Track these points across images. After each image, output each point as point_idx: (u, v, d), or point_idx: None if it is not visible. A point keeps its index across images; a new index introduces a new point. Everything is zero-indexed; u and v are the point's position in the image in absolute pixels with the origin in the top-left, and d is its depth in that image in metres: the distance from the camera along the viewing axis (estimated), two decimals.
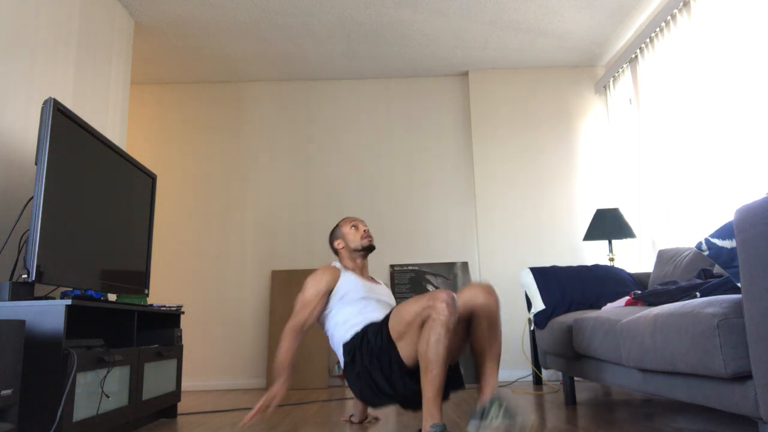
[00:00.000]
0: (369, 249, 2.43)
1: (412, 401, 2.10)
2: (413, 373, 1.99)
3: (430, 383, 1.84)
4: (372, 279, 2.46)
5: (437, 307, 1.86)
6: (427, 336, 1.86)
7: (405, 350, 1.99)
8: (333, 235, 2.51)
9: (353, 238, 2.43)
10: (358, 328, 2.17)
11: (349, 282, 2.28)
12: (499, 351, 2.08)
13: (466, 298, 2.07)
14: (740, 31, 2.78)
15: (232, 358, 4.25)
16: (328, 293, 2.27)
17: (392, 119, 4.67)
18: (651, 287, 2.93)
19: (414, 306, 1.94)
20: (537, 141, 4.51)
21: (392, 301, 2.40)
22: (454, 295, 1.91)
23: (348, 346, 2.14)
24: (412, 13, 3.76)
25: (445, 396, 2.12)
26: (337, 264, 2.40)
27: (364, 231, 2.44)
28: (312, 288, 2.25)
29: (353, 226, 2.46)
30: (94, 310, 2.34)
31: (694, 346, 1.53)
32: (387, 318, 2.08)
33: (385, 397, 2.06)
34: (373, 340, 2.05)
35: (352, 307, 2.22)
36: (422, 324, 1.90)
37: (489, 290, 2.07)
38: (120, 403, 2.22)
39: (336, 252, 2.48)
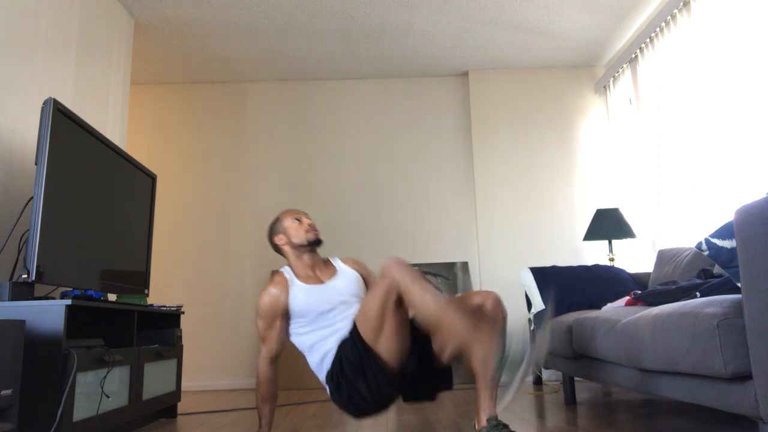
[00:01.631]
0: (315, 244, 2.16)
1: (411, 395, 2.04)
2: (396, 377, 1.93)
3: (452, 336, 1.79)
4: (326, 264, 2.22)
5: (393, 274, 1.81)
6: (413, 299, 1.80)
7: (385, 346, 1.89)
8: (273, 230, 2.22)
9: (296, 233, 2.16)
10: (333, 353, 2.01)
11: (300, 295, 2.05)
12: (496, 375, 1.96)
13: (475, 303, 1.97)
14: (740, 31, 2.78)
15: (232, 358, 4.25)
16: (284, 313, 2.06)
17: (392, 119, 4.66)
18: (651, 287, 2.93)
19: (375, 295, 1.86)
20: (537, 141, 4.51)
21: (352, 287, 2.14)
22: (397, 258, 1.87)
23: (330, 375, 2.02)
24: (412, 13, 3.76)
25: (432, 397, 2.07)
26: (286, 270, 2.14)
27: (309, 224, 2.19)
28: (265, 307, 2.05)
29: (296, 219, 2.19)
30: (94, 310, 2.34)
31: (694, 346, 1.53)
32: (355, 327, 1.95)
33: (379, 405, 1.97)
34: (352, 356, 1.93)
35: (318, 331, 2.04)
36: (396, 302, 1.84)
37: (497, 303, 1.97)
38: (120, 403, 2.22)
39: (278, 249, 2.21)
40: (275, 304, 2.05)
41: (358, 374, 1.92)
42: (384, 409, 2.01)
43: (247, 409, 3.06)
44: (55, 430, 1.77)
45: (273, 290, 2.06)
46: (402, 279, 1.82)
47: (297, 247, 2.16)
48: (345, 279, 2.15)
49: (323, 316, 2.03)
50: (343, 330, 2.02)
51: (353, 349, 1.93)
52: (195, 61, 4.33)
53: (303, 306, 2.04)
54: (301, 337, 2.08)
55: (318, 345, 2.04)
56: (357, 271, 2.24)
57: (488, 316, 1.96)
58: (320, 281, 2.12)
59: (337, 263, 2.24)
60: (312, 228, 2.18)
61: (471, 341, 1.78)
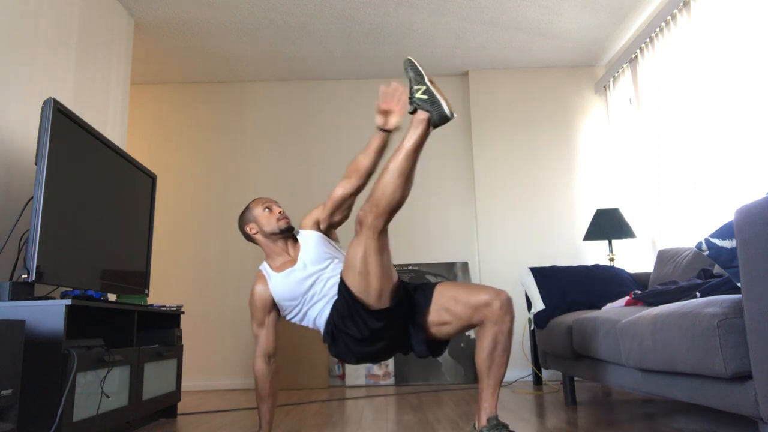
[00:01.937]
0: (287, 231, 2.17)
1: (405, 345, 2.03)
2: (383, 311, 1.92)
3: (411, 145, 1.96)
4: (295, 241, 2.21)
5: (361, 216, 1.91)
6: (386, 168, 1.94)
7: (375, 286, 1.88)
8: (243, 219, 2.22)
9: (267, 221, 2.16)
10: (325, 315, 2.04)
11: (280, 286, 2.07)
12: (499, 377, 1.92)
13: (483, 300, 1.92)
14: (740, 31, 2.78)
15: (232, 358, 4.25)
16: (272, 306, 2.11)
17: None
18: (651, 287, 2.93)
19: (354, 244, 1.90)
20: (537, 141, 4.51)
21: (322, 244, 2.15)
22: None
23: (326, 332, 2.05)
24: (412, 13, 3.76)
25: (424, 353, 2.03)
26: (263, 268, 2.15)
27: (279, 212, 2.19)
28: (255, 303, 2.12)
29: (266, 208, 2.19)
30: (94, 310, 2.34)
31: (694, 346, 1.53)
32: (342, 281, 1.96)
33: (370, 342, 1.96)
34: (341, 309, 1.96)
35: (313, 305, 2.07)
36: (373, 238, 1.88)
37: (507, 305, 1.91)
38: (120, 403, 2.22)
39: (249, 238, 2.21)
40: (260, 301, 2.11)
41: (348, 320, 1.94)
42: (377, 350, 2.00)
43: (247, 409, 3.06)
44: (55, 430, 1.77)
45: (257, 287, 2.12)
46: (368, 214, 1.90)
47: (269, 236, 2.17)
48: (309, 248, 2.13)
49: (311, 293, 2.06)
50: (332, 294, 2.04)
51: (342, 303, 1.96)
52: (195, 61, 4.33)
53: (286, 294, 2.07)
54: (299, 316, 2.12)
55: (318, 317, 2.07)
56: (315, 228, 2.23)
57: (495, 317, 1.89)
58: (294, 261, 2.12)
59: (300, 234, 2.21)
60: (283, 215, 2.19)
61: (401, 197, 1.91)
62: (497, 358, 1.91)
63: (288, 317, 2.15)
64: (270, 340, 2.12)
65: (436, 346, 2.05)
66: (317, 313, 2.07)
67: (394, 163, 1.94)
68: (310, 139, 4.63)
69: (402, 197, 1.94)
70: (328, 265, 2.10)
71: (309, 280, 2.06)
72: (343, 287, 1.95)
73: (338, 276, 2.01)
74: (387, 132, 2.26)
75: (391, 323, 1.97)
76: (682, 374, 1.71)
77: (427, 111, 1.96)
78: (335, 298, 2.02)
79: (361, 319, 1.92)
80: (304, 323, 2.14)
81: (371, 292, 1.89)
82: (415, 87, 1.99)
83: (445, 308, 1.96)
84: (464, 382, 4.06)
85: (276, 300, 2.10)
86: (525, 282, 3.28)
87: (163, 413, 2.82)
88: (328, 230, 2.26)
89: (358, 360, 2.06)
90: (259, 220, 2.18)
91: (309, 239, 2.17)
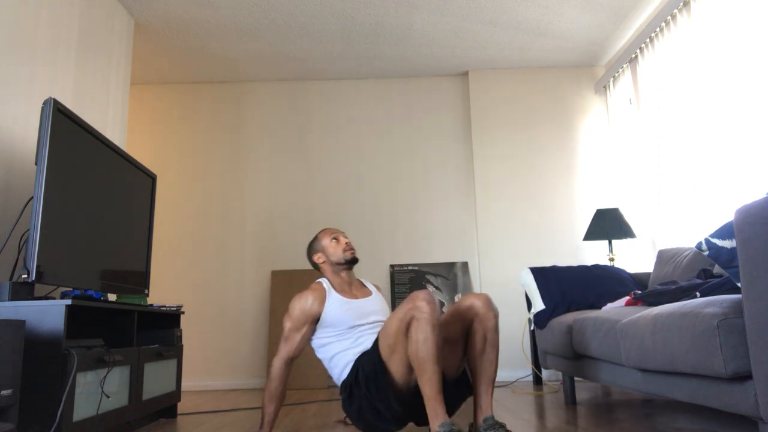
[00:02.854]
0: (353, 262, 2.27)
1: (424, 418, 2.04)
2: (407, 396, 1.95)
3: (427, 383, 1.81)
4: (362, 285, 2.34)
5: (418, 306, 1.83)
6: (414, 337, 1.82)
7: (396, 366, 1.93)
8: (312, 249, 2.33)
9: (334, 251, 2.27)
10: (351, 363, 2.08)
11: (335, 308, 2.14)
12: (492, 373, 2.00)
13: (466, 305, 2.02)
14: (740, 31, 2.78)
15: (232, 358, 4.25)
16: (316, 319, 2.15)
17: (392, 119, 4.67)
18: (651, 287, 2.93)
19: (397, 314, 1.90)
20: (537, 141, 4.51)
21: (385, 309, 2.27)
22: (431, 293, 1.90)
23: (344, 385, 2.08)
24: (412, 13, 3.76)
25: (455, 406, 2.08)
26: (324, 282, 2.23)
27: (346, 243, 2.29)
28: (299, 311, 2.14)
29: (334, 238, 2.30)
30: (94, 310, 2.34)
31: (694, 346, 1.53)
32: (377, 340, 2.02)
33: (389, 422, 2.00)
34: (368, 368, 1.99)
35: (343, 341, 2.12)
36: (408, 329, 1.87)
37: (488, 302, 2.01)
38: (120, 403, 2.22)
39: (316, 266, 2.32)
40: (309, 311, 2.13)
41: (372, 386, 1.96)
42: (394, 425, 2.02)
43: (247, 409, 3.06)
44: (55, 430, 1.77)
45: (310, 297, 2.15)
46: (419, 312, 1.84)
47: (334, 265, 2.27)
48: (378, 301, 2.27)
49: (351, 331, 2.12)
50: (365, 345, 2.09)
51: (370, 361, 1.99)
52: (195, 61, 4.33)
53: (336, 317, 2.12)
54: (324, 345, 2.16)
55: (339, 356, 2.11)
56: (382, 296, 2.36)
57: (479, 316, 2.00)
58: (355, 297, 2.23)
59: (369, 285, 2.36)
60: (349, 246, 2.28)
61: (436, 398, 1.80)
62: (487, 355, 1.99)
63: (315, 342, 2.19)
64: (299, 347, 2.16)
65: (456, 392, 2.09)
66: (343, 350, 2.11)
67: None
68: (310, 139, 4.63)
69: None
70: (374, 335, 2.14)
71: (361, 320, 2.14)
72: (376, 346, 2.00)
73: (369, 350, 2.06)
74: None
75: (413, 406, 1.99)
76: (682, 374, 1.71)
77: None
78: (366, 349, 2.07)
79: (385, 389, 1.95)
80: (325, 355, 2.16)
81: (392, 366, 1.94)
82: None
83: (444, 338, 2.01)
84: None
85: (322, 317, 2.14)
86: (525, 282, 3.28)
87: (163, 413, 2.82)
88: None
89: (366, 428, 2.06)
90: (326, 250, 2.29)
91: (380, 296, 2.31)
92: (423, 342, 1.80)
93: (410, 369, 1.93)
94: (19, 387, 1.70)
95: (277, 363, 2.14)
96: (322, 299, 2.15)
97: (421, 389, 1.83)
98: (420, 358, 1.81)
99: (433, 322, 1.82)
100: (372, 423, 2.01)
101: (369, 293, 2.29)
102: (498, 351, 2.02)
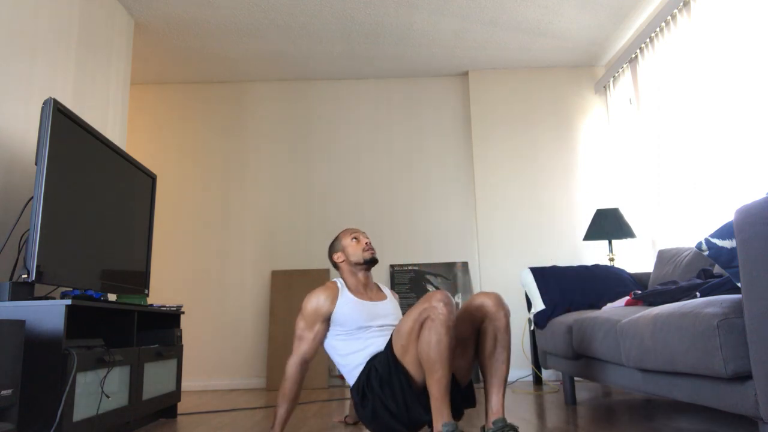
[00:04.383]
0: (372, 262, 2.26)
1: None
2: (424, 395, 1.93)
3: (436, 384, 1.78)
4: (378, 289, 2.33)
5: (434, 306, 1.81)
6: (427, 337, 1.79)
7: (412, 365, 1.92)
8: (332, 248, 2.33)
9: (354, 251, 2.25)
10: (362, 366, 2.07)
11: (347, 306, 2.13)
12: (503, 374, 1.95)
13: (476, 304, 1.98)
14: (740, 31, 2.78)
15: (232, 358, 4.25)
16: (328, 317, 2.13)
17: (392, 119, 4.67)
18: (651, 287, 2.93)
19: (411, 315, 1.88)
20: (537, 141, 4.51)
21: (398, 314, 2.25)
22: (448, 294, 1.87)
23: (356, 387, 2.06)
24: (412, 13, 3.76)
25: (459, 414, 2.06)
26: (339, 281, 2.23)
27: (366, 243, 2.27)
28: (311, 309, 2.13)
29: (354, 238, 2.28)
30: (94, 310, 2.34)
31: (694, 346, 1.53)
32: (390, 340, 2.00)
33: (404, 424, 1.97)
34: (381, 369, 1.97)
35: (353, 342, 2.10)
36: (421, 329, 1.85)
37: (498, 301, 1.97)
38: (120, 403, 2.22)
39: (336, 266, 2.31)
40: (321, 309, 2.13)
41: (386, 387, 1.94)
42: (403, 425, 1.99)
43: (247, 409, 3.06)
44: (55, 430, 1.77)
45: (322, 295, 2.14)
46: (435, 312, 1.82)
47: (354, 265, 2.26)
48: (390, 303, 2.26)
49: (361, 331, 2.10)
50: (377, 346, 2.08)
51: (384, 362, 1.97)
52: (195, 61, 4.33)
53: (346, 316, 2.11)
54: (335, 344, 2.14)
55: (351, 356, 2.10)
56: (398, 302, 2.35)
57: (489, 315, 1.97)
58: (369, 299, 2.21)
59: (386, 290, 2.35)
60: (369, 247, 2.27)
61: (442, 399, 1.79)
62: (498, 356, 1.95)
63: (327, 341, 2.17)
64: (313, 346, 2.14)
65: (466, 395, 2.08)
66: (354, 351, 2.09)
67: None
68: (310, 138, 4.63)
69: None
70: (384, 338, 2.12)
71: (372, 322, 2.12)
72: (389, 347, 1.98)
73: (382, 351, 2.05)
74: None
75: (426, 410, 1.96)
76: (682, 374, 1.71)
77: None
78: (378, 351, 2.06)
79: (401, 389, 1.93)
80: (337, 353, 2.14)
81: (406, 366, 1.93)
82: None
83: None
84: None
85: (333, 316, 2.13)
86: (525, 282, 3.28)
87: (163, 413, 2.82)
88: None
89: (380, 430, 2.03)
90: (346, 250, 2.28)
91: (396, 304, 2.30)
92: (436, 343, 1.78)
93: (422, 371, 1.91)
94: (19, 387, 1.70)
95: (292, 364, 2.12)
96: (334, 297, 2.14)
97: (429, 388, 1.81)
98: (431, 359, 1.79)
99: (449, 324, 1.79)
100: (386, 423, 1.98)
101: (384, 297, 2.27)
102: (509, 351, 1.97)
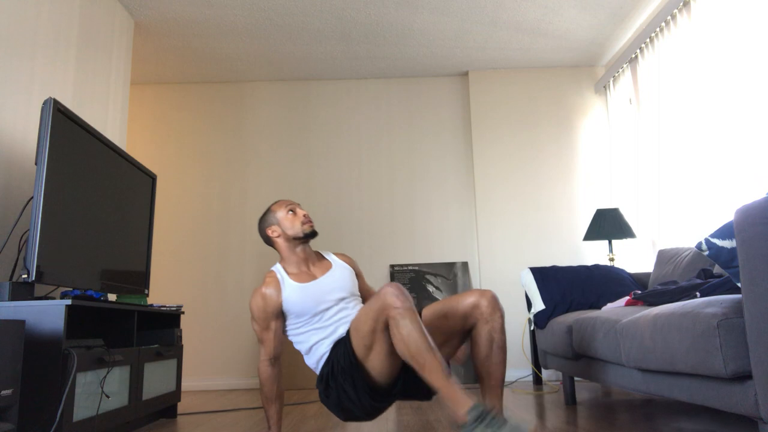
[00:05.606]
0: (311, 235, 2.07)
1: (412, 393, 1.95)
2: (383, 391, 1.87)
3: (431, 374, 1.66)
4: (321, 258, 2.15)
5: (389, 305, 1.70)
6: (398, 335, 1.69)
7: (375, 361, 1.82)
8: (265, 221, 2.11)
9: (292, 224, 2.07)
10: (327, 355, 1.96)
11: (294, 294, 1.99)
12: (500, 376, 1.89)
13: (470, 302, 1.90)
14: (740, 32, 2.78)
15: (232, 358, 4.25)
16: (279, 314, 2.01)
17: (392, 119, 4.67)
18: (651, 287, 2.93)
19: (368, 314, 1.78)
20: (537, 141, 4.51)
21: (347, 284, 2.07)
22: (397, 284, 1.77)
23: (321, 377, 1.96)
24: (412, 13, 3.76)
25: (430, 396, 1.96)
26: (276, 269, 2.06)
27: (304, 215, 2.08)
28: (258, 311, 2.00)
29: (290, 210, 2.09)
30: (94, 310, 2.34)
31: (694, 346, 1.53)
32: (349, 333, 1.89)
33: (365, 412, 1.91)
34: (342, 360, 1.88)
35: (316, 331, 1.99)
36: (386, 328, 1.75)
37: (494, 302, 1.89)
38: (120, 403, 2.22)
39: (269, 241, 2.11)
40: (268, 306, 1.99)
41: (347, 378, 1.86)
42: (371, 417, 1.95)
43: (247, 409, 3.06)
44: (55, 430, 1.77)
45: (265, 291, 2.00)
46: (392, 310, 1.71)
47: (291, 240, 2.08)
48: (341, 272, 2.09)
49: (320, 316, 1.98)
50: (339, 332, 1.97)
51: (345, 355, 1.87)
52: (195, 61, 4.33)
53: (298, 306, 1.98)
54: (298, 337, 2.04)
55: (315, 347, 2.00)
56: (350, 266, 2.18)
57: (485, 317, 1.89)
58: (314, 277, 2.06)
59: (330, 257, 2.17)
60: (307, 219, 2.09)
61: (448, 386, 1.64)
62: (495, 357, 1.89)
63: (289, 334, 2.06)
64: (276, 345, 2.03)
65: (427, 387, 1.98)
66: (318, 340, 1.99)
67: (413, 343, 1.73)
68: (310, 138, 4.63)
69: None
70: (349, 302, 2.03)
71: (327, 303, 1.99)
72: (348, 341, 1.87)
73: (343, 340, 1.92)
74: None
75: (391, 399, 1.91)
76: (682, 374, 1.71)
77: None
78: (341, 337, 1.95)
79: (362, 383, 1.84)
80: (302, 348, 2.04)
81: (369, 365, 1.83)
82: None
83: (438, 329, 1.92)
84: (464, 383, 4.06)
85: (284, 309, 2.01)
86: (525, 282, 3.28)
87: (163, 413, 2.82)
88: None
89: (347, 418, 1.96)
90: (282, 223, 2.08)
91: (344, 269, 2.11)
92: (407, 335, 1.67)
93: (389, 364, 1.82)
94: (19, 387, 1.70)
95: (262, 367, 2.04)
96: (278, 289, 1.99)
97: (428, 384, 1.69)
98: (412, 353, 1.67)
99: (410, 313, 1.69)
100: (351, 412, 1.91)
101: (329, 266, 2.11)
102: (506, 352, 1.89)
